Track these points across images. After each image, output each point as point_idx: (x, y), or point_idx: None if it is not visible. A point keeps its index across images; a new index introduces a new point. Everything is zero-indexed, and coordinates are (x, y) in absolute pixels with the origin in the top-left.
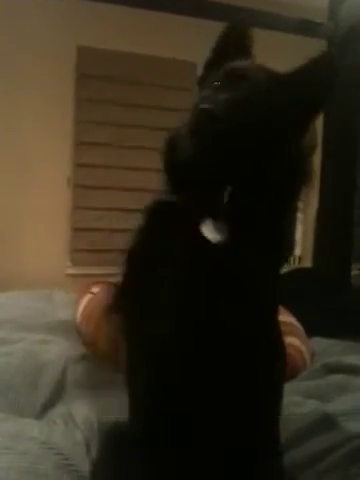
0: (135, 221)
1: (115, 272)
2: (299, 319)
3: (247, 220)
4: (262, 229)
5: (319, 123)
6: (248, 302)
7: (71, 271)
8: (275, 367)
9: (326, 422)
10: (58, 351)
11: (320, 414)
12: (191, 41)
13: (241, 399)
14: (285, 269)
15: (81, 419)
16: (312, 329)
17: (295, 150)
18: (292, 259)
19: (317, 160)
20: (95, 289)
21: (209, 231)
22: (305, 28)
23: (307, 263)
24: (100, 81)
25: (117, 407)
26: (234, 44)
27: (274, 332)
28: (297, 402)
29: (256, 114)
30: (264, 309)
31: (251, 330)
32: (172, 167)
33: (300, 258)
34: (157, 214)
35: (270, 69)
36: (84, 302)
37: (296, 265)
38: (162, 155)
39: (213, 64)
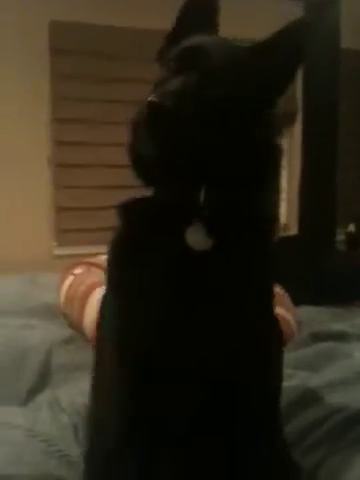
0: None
1: (103, 251)
2: (285, 288)
3: (229, 217)
4: (246, 218)
5: (299, 90)
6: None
7: (58, 252)
8: (275, 354)
9: (310, 396)
10: (42, 335)
11: (304, 388)
12: (165, 10)
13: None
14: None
15: (67, 402)
16: (298, 297)
17: (264, 126)
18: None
19: (298, 127)
20: (77, 270)
21: (193, 238)
22: None
23: (293, 231)
24: (75, 56)
25: None
26: (198, 14)
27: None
28: (287, 374)
29: (212, 101)
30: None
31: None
32: (137, 162)
33: (286, 226)
34: (134, 216)
35: (232, 43)
36: (67, 284)
37: (281, 234)
38: (127, 146)
39: (175, 37)
